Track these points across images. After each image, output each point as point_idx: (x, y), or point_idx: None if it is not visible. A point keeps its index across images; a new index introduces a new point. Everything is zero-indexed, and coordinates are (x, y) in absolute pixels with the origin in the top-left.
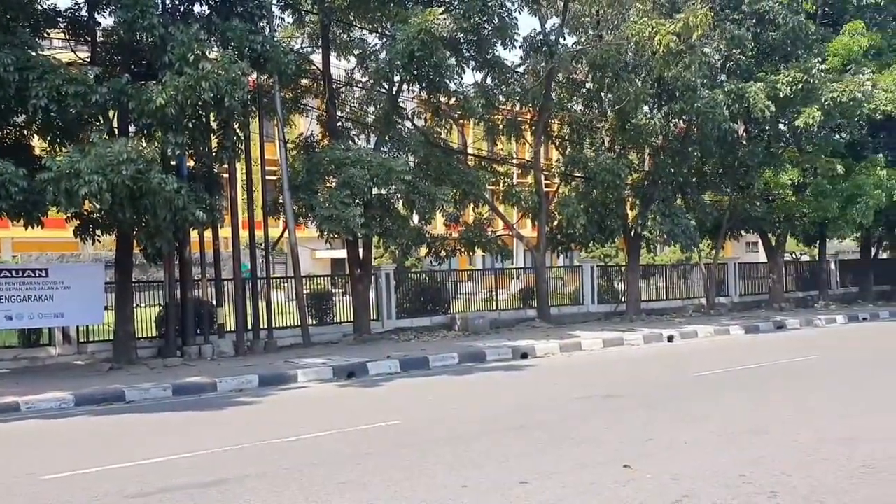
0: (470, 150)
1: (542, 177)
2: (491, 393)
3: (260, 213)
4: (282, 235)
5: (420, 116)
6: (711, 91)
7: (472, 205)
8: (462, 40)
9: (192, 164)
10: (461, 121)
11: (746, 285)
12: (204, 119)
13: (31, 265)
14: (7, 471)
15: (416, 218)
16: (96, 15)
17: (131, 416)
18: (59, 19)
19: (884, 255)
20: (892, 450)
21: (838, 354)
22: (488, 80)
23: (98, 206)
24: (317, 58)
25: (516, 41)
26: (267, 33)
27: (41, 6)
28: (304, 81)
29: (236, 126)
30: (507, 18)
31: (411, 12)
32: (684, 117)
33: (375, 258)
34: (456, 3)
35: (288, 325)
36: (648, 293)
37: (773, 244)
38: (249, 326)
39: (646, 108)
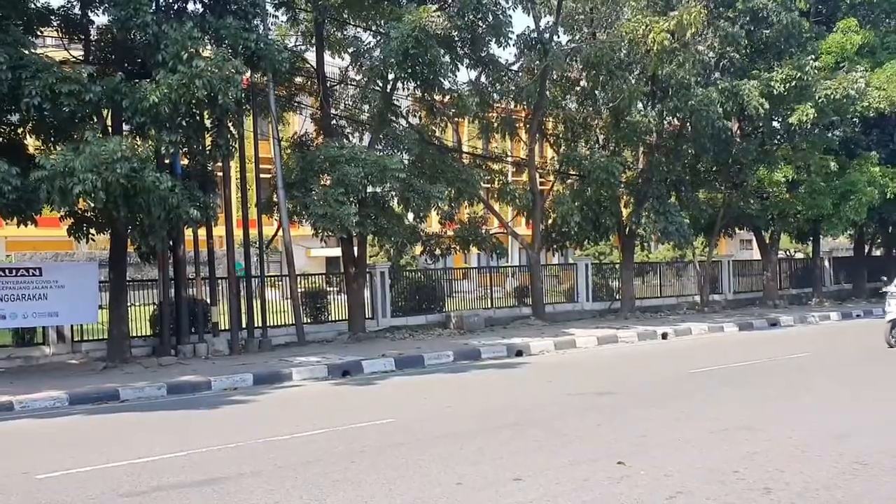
0: (465, 149)
1: (537, 175)
2: (486, 391)
3: (254, 212)
4: (276, 234)
5: (414, 114)
6: (705, 89)
7: (466, 203)
8: (456, 38)
9: (185, 162)
10: (455, 119)
11: (740, 283)
12: (198, 117)
13: (25, 264)
14: (1, 470)
15: (410, 216)
16: (90, 13)
17: (126, 415)
18: (53, 17)
19: (877, 252)
20: (884, 446)
21: (832, 351)
22: (482, 78)
23: (92, 205)
24: (311, 56)
25: (510, 39)
26: (261, 31)
27: (34, 4)
28: (298, 79)
29: (230, 124)
30: (501, 16)
31: (405, 10)
32: (678, 115)
33: (370, 256)
34: (450, 0)
35: (282, 323)
36: (643, 291)
37: (767, 241)
38: (244, 325)
39: (640, 105)
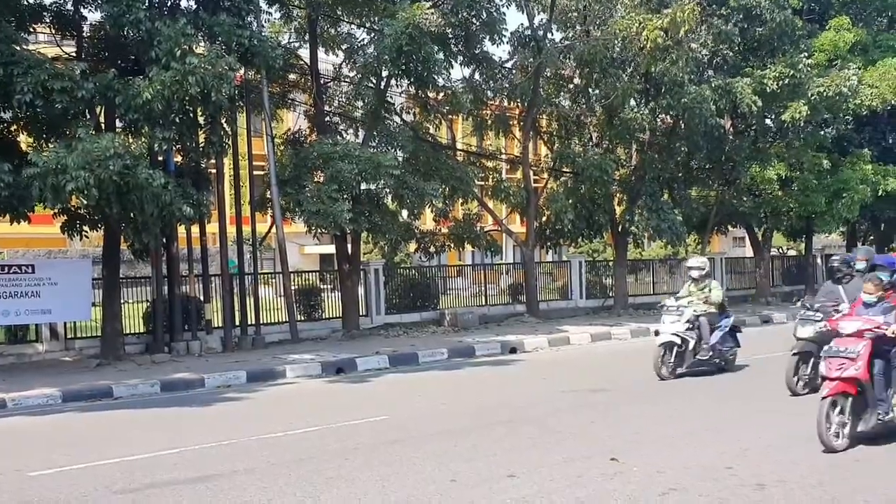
0: (459, 146)
1: (531, 172)
2: (480, 388)
3: (247, 209)
4: (269, 231)
5: (408, 111)
6: (698, 86)
7: (461, 200)
8: (450, 35)
9: (179, 159)
10: (450, 116)
11: (733, 280)
12: (191, 114)
13: (17, 261)
14: None
15: (405, 213)
16: (82, 9)
17: (119, 413)
18: (45, 14)
19: None
20: (875, 441)
21: None
22: (476, 76)
23: (85, 202)
24: (304, 52)
25: (504, 36)
26: (254, 28)
27: (26, 1)
28: (292, 76)
29: (223, 121)
30: (494, 13)
31: (399, 7)
32: (671, 112)
33: (364, 253)
34: None
35: (276, 321)
36: (636, 288)
37: (760, 239)
38: (237, 322)
39: (633, 103)
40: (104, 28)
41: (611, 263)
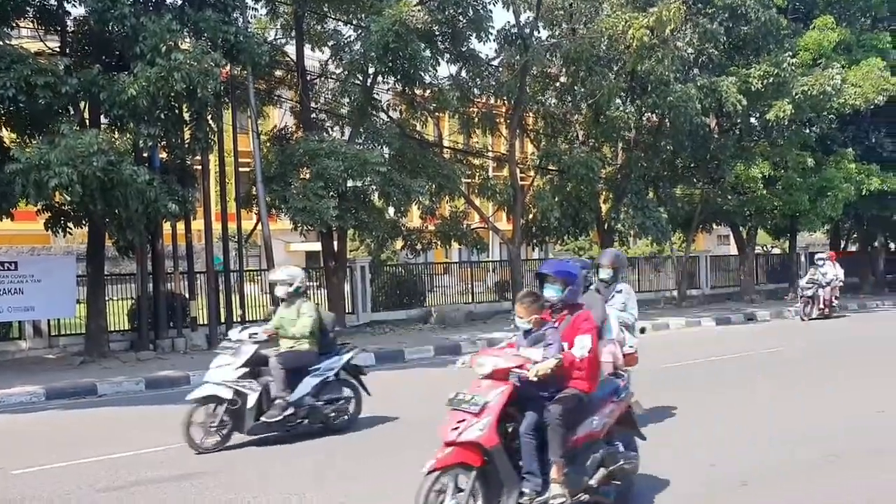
0: (445, 143)
1: (517, 170)
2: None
3: (233, 206)
4: (255, 228)
5: (395, 108)
6: (684, 85)
7: (447, 198)
8: (437, 32)
9: (164, 155)
10: (436, 113)
11: (718, 278)
12: (176, 110)
13: (0, 258)
14: None
15: (391, 210)
16: (66, 4)
17: (103, 410)
18: (28, 8)
19: (852, 248)
20: (856, 438)
21: (807, 346)
22: (463, 73)
23: (69, 199)
24: (291, 49)
25: (491, 34)
26: (240, 24)
27: None
28: (278, 73)
29: (209, 117)
30: (481, 11)
31: (385, 3)
32: (657, 111)
33: (351, 251)
34: None
35: (262, 318)
36: None
37: (745, 237)
38: (223, 320)
39: (619, 101)
40: (88, 23)
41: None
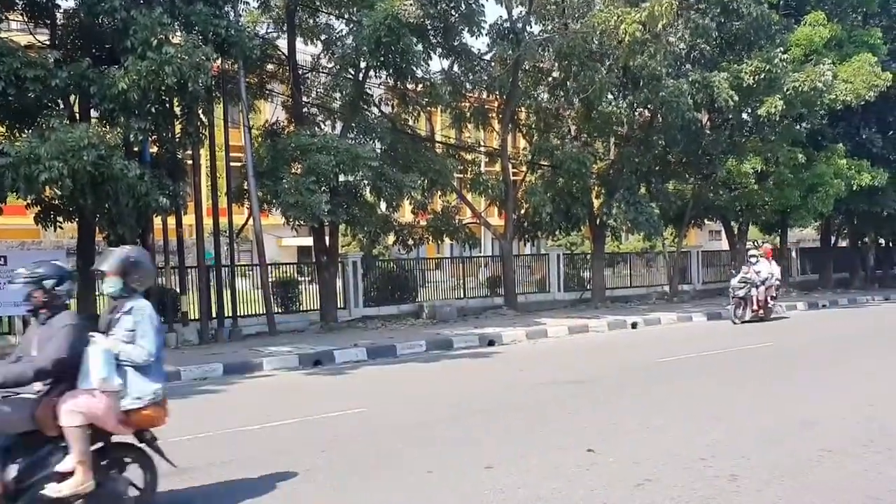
0: (437, 138)
1: (510, 165)
2: (458, 380)
3: (224, 200)
4: (246, 222)
5: (387, 103)
6: (676, 80)
7: (439, 193)
8: (429, 27)
9: (155, 150)
10: (428, 108)
11: (709, 273)
12: (167, 104)
13: None
14: None
15: (383, 205)
16: None
17: None
18: (17, 0)
19: (843, 244)
20: (848, 432)
21: (798, 341)
22: (455, 68)
23: (59, 193)
24: (282, 43)
25: (483, 28)
26: (231, 17)
27: None
28: (270, 67)
29: (200, 112)
30: (473, 5)
31: None
32: (649, 106)
33: (342, 246)
34: None
35: (253, 313)
36: (613, 281)
37: (736, 232)
38: (214, 314)
39: (611, 97)
40: (78, 16)
41: (588, 256)
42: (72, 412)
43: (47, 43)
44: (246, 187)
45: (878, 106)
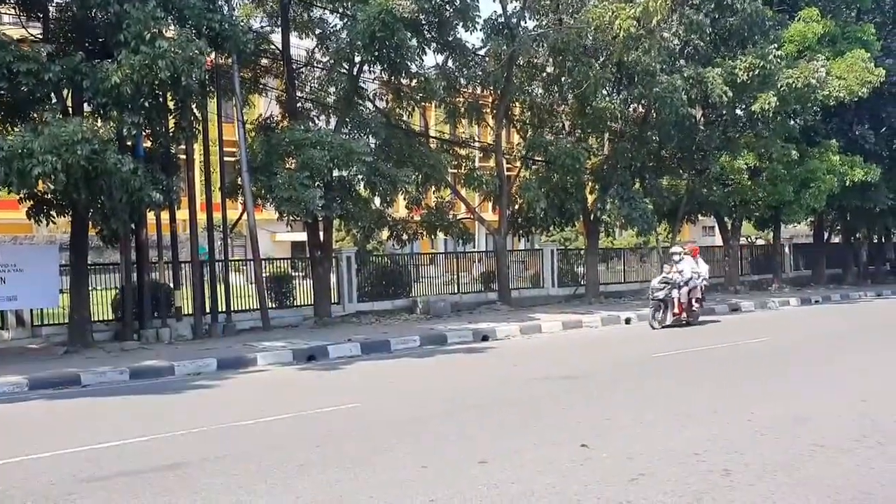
0: (432, 133)
1: (504, 160)
2: (452, 375)
3: (218, 195)
4: (240, 217)
5: (381, 98)
6: (670, 76)
7: (433, 188)
8: (423, 21)
9: (148, 144)
10: (422, 103)
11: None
12: (161, 99)
13: None
14: None
15: (377, 200)
16: None
17: (87, 400)
18: None
19: (836, 240)
20: (841, 428)
21: (791, 336)
22: (449, 63)
23: (52, 187)
24: (276, 37)
25: (477, 23)
26: (225, 11)
27: None
28: (264, 61)
29: (194, 106)
30: (468, 0)
31: None
32: (643, 102)
33: (337, 241)
34: None
35: (247, 308)
36: (607, 276)
37: (729, 228)
38: (208, 310)
39: (605, 92)
40: (71, 9)
41: (582, 252)
42: None
43: (40, 37)
44: (240, 182)
45: (871, 102)
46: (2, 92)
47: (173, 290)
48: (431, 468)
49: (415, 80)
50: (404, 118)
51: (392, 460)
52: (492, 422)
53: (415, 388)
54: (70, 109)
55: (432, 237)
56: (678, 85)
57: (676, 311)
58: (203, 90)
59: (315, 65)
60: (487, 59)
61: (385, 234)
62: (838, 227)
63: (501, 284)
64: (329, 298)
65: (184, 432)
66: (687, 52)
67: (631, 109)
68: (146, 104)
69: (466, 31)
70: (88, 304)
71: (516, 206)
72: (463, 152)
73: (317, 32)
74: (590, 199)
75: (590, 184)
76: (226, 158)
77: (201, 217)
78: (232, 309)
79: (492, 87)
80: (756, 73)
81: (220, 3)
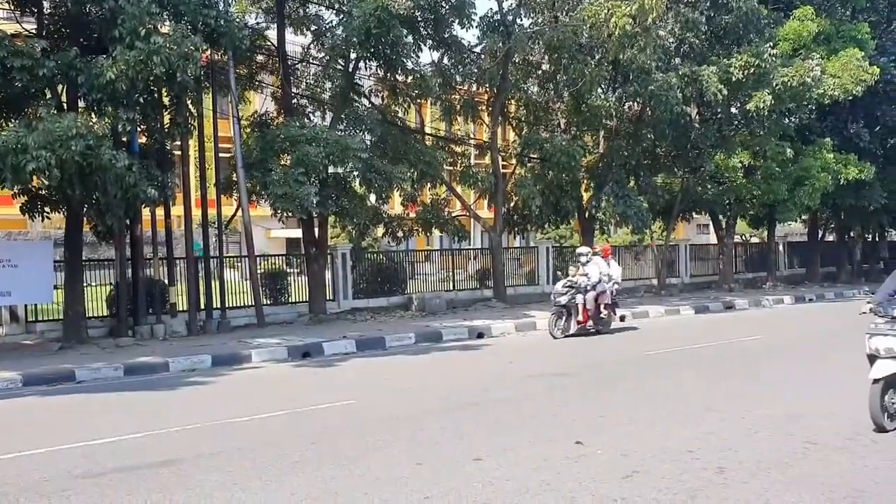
0: (427, 130)
1: (499, 158)
2: (447, 372)
3: (213, 191)
4: (235, 214)
5: (377, 94)
6: (665, 74)
7: (429, 185)
8: (419, 18)
9: (143, 140)
10: (418, 100)
11: (697, 266)
12: (156, 94)
13: None
14: None
15: (372, 197)
16: None
17: (82, 396)
18: None
19: (830, 238)
20: (834, 426)
21: (784, 334)
22: (445, 60)
23: (46, 183)
24: (272, 33)
25: (473, 21)
26: (221, 8)
27: None
28: (259, 57)
29: (189, 102)
30: None
31: None
32: (638, 100)
33: (332, 238)
34: None
35: (242, 304)
36: None
37: (724, 226)
38: (202, 306)
39: (600, 90)
40: (66, 5)
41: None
42: None
43: (34, 32)
44: (235, 178)
45: (865, 100)
46: None
47: (168, 286)
48: (426, 465)
49: (410, 77)
50: (400, 115)
51: (387, 457)
52: (487, 419)
53: (410, 386)
54: (65, 105)
55: (428, 234)
56: (673, 83)
57: (580, 318)
58: (198, 86)
59: (311, 61)
60: (483, 56)
61: (380, 230)
62: (832, 226)
63: (497, 281)
64: (324, 295)
65: (178, 429)
66: (682, 50)
67: (626, 107)
68: (141, 100)
69: (462, 28)
70: (83, 300)
71: (512, 204)
72: (458, 149)
73: (312, 29)
74: (585, 196)
75: (585, 181)
76: (221, 155)
77: (196, 213)
78: (227, 305)
79: (487, 85)
80: (751, 71)
81: None
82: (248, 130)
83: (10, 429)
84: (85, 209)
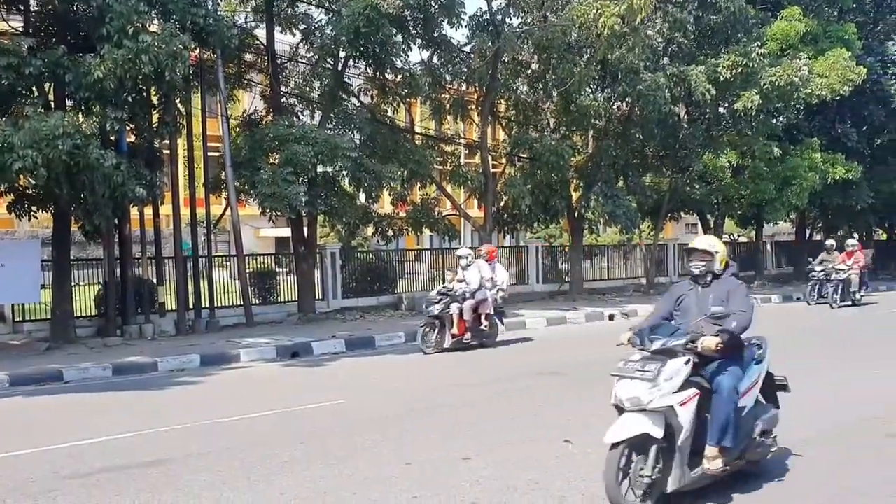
0: (417, 129)
1: (489, 157)
2: (436, 372)
3: (202, 191)
4: (224, 213)
5: (366, 93)
6: (654, 74)
7: (419, 184)
8: (408, 17)
9: (131, 139)
10: (408, 99)
11: (685, 266)
12: (144, 93)
13: None
14: None
15: (362, 196)
16: None
17: (69, 396)
18: None
19: (817, 237)
20: (825, 425)
21: (775, 332)
22: (435, 59)
23: (33, 182)
24: (261, 32)
25: (463, 20)
26: (210, 6)
27: None
28: (248, 56)
29: (178, 101)
30: None
31: None
32: (627, 99)
33: (321, 237)
34: None
35: (231, 304)
36: (591, 273)
37: (712, 226)
38: (191, 305)
39: (589, 89)
40: (53, 3)
41: (567, 249)
42: None
43: (21, 30)
44: (223, 178)
45: (852, 100)
46: None
47: (157, 285)
48: (415, 465)
49: (400, 76)
50: (389, 114)
51: (376, 457)
52: (476, 418)
53: (399, 385)
54: (52, 104)
55: (417, 233)
56: (662, 83)
57: (455, 331)
58: (187, 85)
59: (300, 60)
60: (472, 55)
61: (370, 230)
62: (820, 225)
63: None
64: (313, 295)
65: (167, 429)
66: (671, 50)
67: (615, 107)
68: (129, 99)
69: (452, 27)
70: (71, 299)
71: (501, 203)
72: (448, 149)
73: (301, 28)
74: (574, 196)
75: (574, 181)
76: (210, 154)
77: (185, 212)
78: (215, 305)
79: (477, 84)
80: (739, 71)
81: None
82: (237, 129)
83: None
84: (73, 208)
